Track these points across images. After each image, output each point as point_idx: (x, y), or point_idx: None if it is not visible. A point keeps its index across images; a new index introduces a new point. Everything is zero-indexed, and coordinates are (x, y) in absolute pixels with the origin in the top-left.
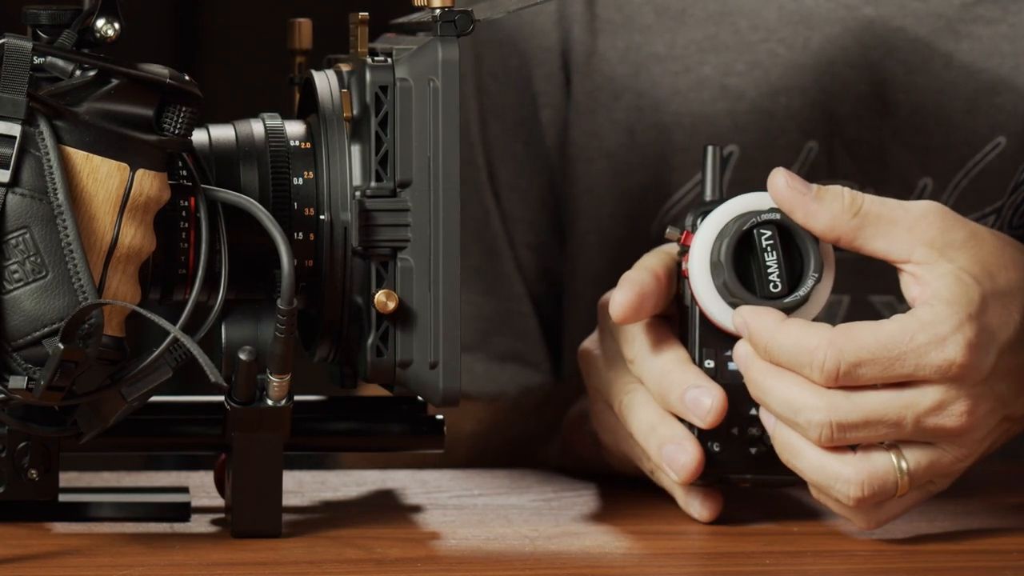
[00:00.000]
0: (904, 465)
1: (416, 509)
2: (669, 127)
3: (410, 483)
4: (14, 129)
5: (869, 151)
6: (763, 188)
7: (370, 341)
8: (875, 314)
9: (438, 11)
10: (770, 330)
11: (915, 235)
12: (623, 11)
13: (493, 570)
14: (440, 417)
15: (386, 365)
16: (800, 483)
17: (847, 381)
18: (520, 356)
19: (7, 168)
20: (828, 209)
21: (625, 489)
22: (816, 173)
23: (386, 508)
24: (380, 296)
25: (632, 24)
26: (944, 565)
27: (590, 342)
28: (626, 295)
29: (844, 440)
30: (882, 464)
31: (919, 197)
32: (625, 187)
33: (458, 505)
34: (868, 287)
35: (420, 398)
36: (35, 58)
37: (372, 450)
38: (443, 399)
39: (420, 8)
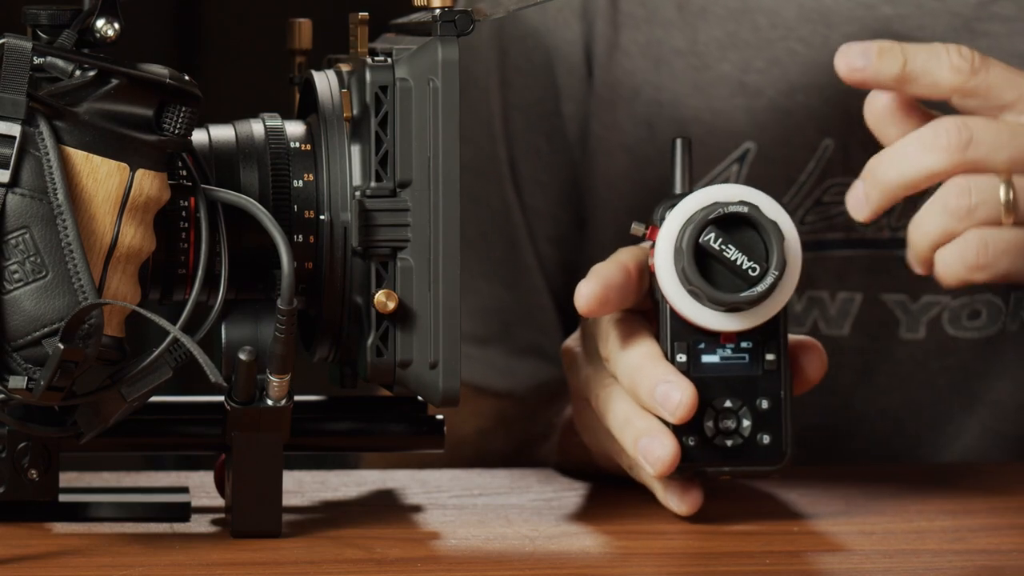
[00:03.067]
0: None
1: (416, 509)
2: (687, 122)
3: (410, 483)
4: (14, 129)
5: None
6: (770, 186)
7: (370, 341)
8: (887, 312)
9: (438, 11)
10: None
11: None
12: (646, 6)
13: (493, 570)
14: (440, 417)
15: (386, 365)
16: (778, 474)
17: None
18: (540, 350)
19: (7, 168)
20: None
21: (625, 489)
22: (832, 170)
23: (386, 508)
24: (380, 296)
25: (654, 19)
26: (944, 565)
27: (572, 340)
28: (591, 287)
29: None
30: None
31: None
32: (644, 181)
33: (458, 505)
34: (881, 286)
35: (420, 398)
36: (35, 58)
37: (372, 450)
38: (443, 399)
39: (420, 8)
